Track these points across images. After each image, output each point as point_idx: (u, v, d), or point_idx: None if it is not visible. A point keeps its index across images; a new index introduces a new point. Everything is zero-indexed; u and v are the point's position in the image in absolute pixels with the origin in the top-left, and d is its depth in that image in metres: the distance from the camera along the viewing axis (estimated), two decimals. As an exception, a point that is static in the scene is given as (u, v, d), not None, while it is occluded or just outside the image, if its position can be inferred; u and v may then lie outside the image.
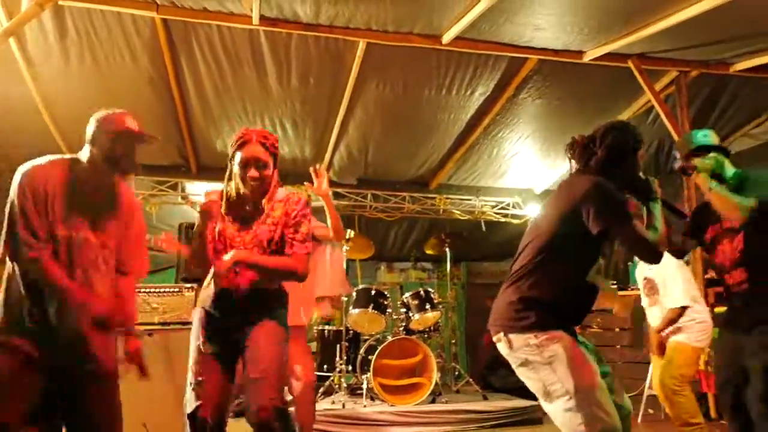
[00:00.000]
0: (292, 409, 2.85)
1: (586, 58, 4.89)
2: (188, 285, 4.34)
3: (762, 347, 2.38)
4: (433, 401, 4.94)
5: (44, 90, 4.98)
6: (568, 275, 2.22)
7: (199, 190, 6.49)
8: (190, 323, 4.08)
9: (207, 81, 5.01)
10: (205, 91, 5.13)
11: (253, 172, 2.37)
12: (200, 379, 2.40)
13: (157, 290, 4.18)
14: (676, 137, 5.26)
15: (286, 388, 3.28)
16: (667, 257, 2.91)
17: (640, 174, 2.35)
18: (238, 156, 2.40)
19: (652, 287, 3.88)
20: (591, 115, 5.91)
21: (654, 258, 2.25)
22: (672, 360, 3.66)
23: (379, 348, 4.87)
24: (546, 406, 2.18)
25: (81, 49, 4.58)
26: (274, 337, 2.40)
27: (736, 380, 2.47)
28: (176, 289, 4.23)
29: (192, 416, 2.37)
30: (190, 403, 2.38)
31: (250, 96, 5.24)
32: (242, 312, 2.43)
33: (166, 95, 5.17)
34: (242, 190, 2.43)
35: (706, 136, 2.74)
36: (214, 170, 6.28)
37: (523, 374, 2.23)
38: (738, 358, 2.47)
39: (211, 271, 2.56)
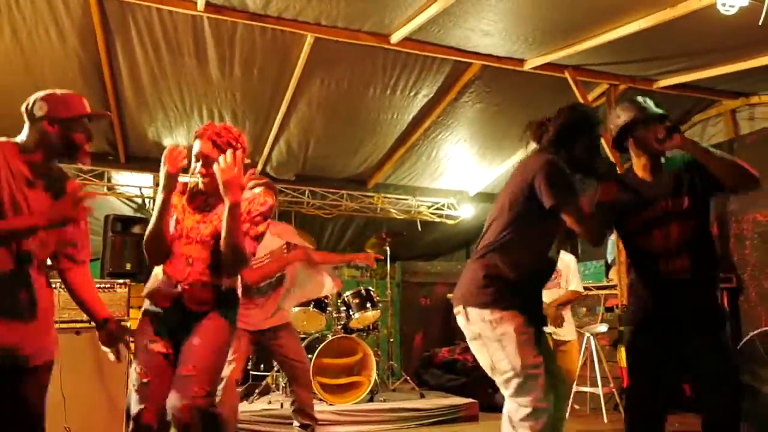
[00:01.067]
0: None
1: (527, 66, 5.07)
2: (120, 281, 4.11)
3: (716, 348, 2.38)
4: (371, 400, 4.95)
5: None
6: (532, 252, 2.31)
7: (127, 180, 6.16)
8: (122, 320, 3.92)
9: (143, 66, 4.75)
10: (140, 76, 4.86)
11: (200, 169, 2.37)
12: (145, 380, 2.28)
13: (86, 286, 3.91)
14: (606, 146, 5.55)
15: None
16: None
17: (601, 155, 2.41)
18: (194, 148, 2.40)
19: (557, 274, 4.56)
20: (527, 121, 6.13)
21: (597, 238, 2.31)
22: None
23: (319, 347, 4.82)
24: (495, 379, 2.32)
25: (0, 23, 4.20)
26: (213, 335, 2.33)
27: (666, 380, 2.47)
28: (108, 285, 4.00)
29: (136, 420, 2.25)
30: (134, 405, 2.27)
31: (188, 85, 5.01)
32: (189, 310, 2.34)
33: (96, 79, 4.85)
34: (199, 184, 2.40)
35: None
36: (144, 160, 5.98)
37: (474, 347, 2.33)
38: (671, 352, 2.44)
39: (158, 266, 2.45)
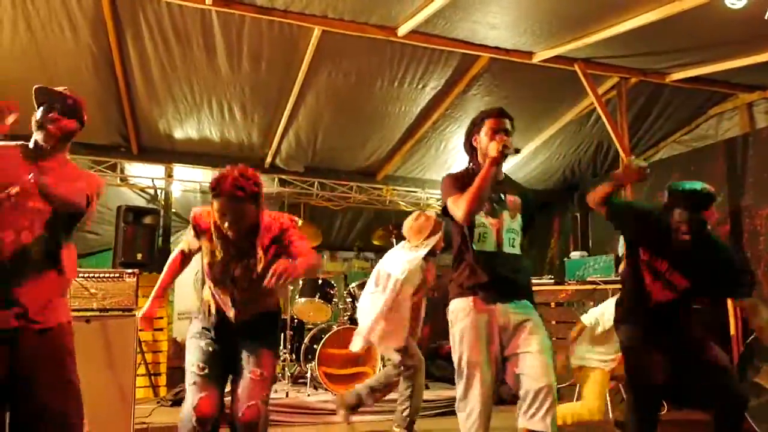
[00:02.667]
0: None
1: (536, 59, 5.04)
2: (129, 270, 4.19)
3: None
4: (375, 390, 4.99)
5: (-28, 58, 4.64)
6: (459, 249, 2.59)
7: (139, 171, 6.26)
8: (131, 310, 4.00)
9: (153, 59, 4.82)
10: (151, 69, 4.93)
11: (227, 225, 2.39)
12: (205, 372, 2.45)
13: (96, 275, 4.00)
14: (615, 140, 5.52)
15: None
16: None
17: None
18: (215, 204, 2.40)
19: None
20: (536, 114, 6.12)
21: (461, 215, 2.43)
22: None
23: (324, 337, 4.88)
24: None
25: (15, 19, 4.29)
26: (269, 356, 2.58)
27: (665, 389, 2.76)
28: (117, 275, 4.06)
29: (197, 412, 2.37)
30: (193, 396, 2.40)
31: (198, 77, 5.08)
32: (243, 331, 2.57)
33: (108, 72, 4.93)
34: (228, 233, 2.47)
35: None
36: (156, 152, 6.08)
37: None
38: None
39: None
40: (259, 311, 2.60)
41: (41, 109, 2.24)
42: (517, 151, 2.58)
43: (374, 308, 3.95)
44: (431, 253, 4.13)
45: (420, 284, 4.08)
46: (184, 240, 2.71)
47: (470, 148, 2.71)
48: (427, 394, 4.99)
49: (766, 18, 3.34)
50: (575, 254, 6.46)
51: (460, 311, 2.53)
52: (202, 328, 2.62)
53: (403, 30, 4.55)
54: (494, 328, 2.48)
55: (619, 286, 5.43)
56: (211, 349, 2.52)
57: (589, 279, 5.73)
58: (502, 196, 2.63)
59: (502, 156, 2.42)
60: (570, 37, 4.71)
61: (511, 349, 2.47)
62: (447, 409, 4.86)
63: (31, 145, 2.22)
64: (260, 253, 2.48)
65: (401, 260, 4.05)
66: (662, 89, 5.81)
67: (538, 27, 4.51)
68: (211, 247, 2.51)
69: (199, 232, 2.55)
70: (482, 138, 2.59)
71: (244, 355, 2.50)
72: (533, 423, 2.36)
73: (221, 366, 2.52)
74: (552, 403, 2.35)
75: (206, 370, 2.44)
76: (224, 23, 4.51)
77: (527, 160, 6.96)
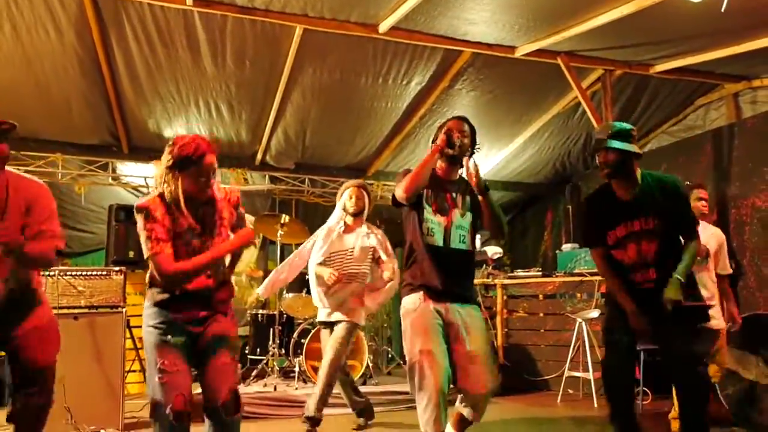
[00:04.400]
0: None
1: (518, 53, 5.08)
2: (117, 268, 4.27)
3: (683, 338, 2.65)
4: (364, 383, 5.06)
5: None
6: (410, 246, 2.71)
7: (131, 170, 6.34)
8: (118, 306, 4.08)
9: (138, 60, 4.88)
10: (137, 70, 5.00)
11: (201, 187, 2.34)
12: (168, 370, 2.35)
13: (84, 273, 4.09)
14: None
15: None
16: None
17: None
18: (200, 164, 2.31)
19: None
20: (523, 108, 6.15)
21: (399, 193, 2.64)
22: None
23: (312, 331, 4.94)
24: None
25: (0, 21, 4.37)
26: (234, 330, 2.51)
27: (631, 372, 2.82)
28: (104, 272, 4.15)
29: (167, 407, 2.30)
30: (161, 393, 2.30)
31: (183, 77, 5.15)
32: (206, 307, 2.44)
33: (95, 73, 5.00)
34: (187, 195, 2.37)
35: (621, 142, 2.72)
36: (146, 150, 6.15)
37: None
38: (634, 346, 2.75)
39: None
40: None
41: None
42: (472, 152, 2.74)
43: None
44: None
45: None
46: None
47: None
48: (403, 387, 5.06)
49: (722, 11, 3.33)
50: (567, 246, 6.49)
51: (410, 304, 2.64)
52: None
53: (383, 26, 4.59)
54: (444, 321, 2.61)
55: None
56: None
57: (576, 271, 5.78)
58: (454, 194, 2.76)
59: (447, 146, 2.65)
60: (550, 31, 4.74)
61: (456, 350, 2.60)
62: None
63: None
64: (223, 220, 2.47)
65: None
66: (648, 80, 5.82)
67: (516, 21, 4.54)
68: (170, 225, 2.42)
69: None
70: (439, 138, 2.75)
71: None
72: (466, 411, 2.71)
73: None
74: (484, 404, 2.69)
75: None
76: (206, 23, 4.57)
77: (517, 154, 6.99)
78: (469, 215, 2.76)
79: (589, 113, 5.49)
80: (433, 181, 2.69)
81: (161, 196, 2.33)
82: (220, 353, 2.40)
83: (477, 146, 2.79)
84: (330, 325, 3.93)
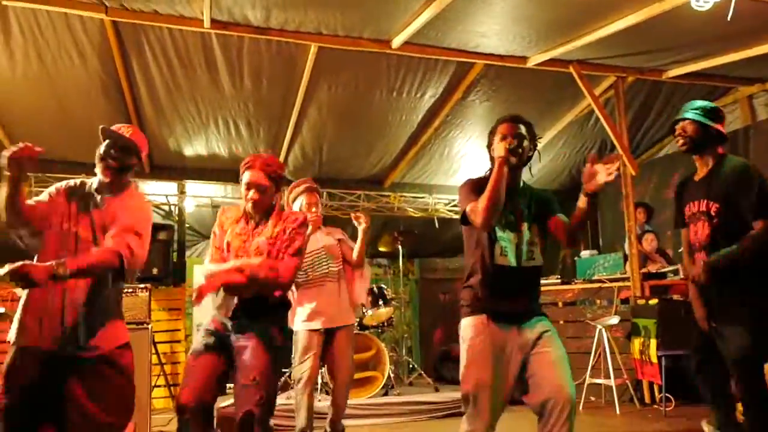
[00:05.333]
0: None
1: (530, 63, 5.13)
2: (142, 285, 4.38)
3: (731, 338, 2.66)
4: (386, 394, 5.10)
5: (-10, 91, 4.91)
6: (475, 262, 2.42)
7: (153, 189, 6.49)
8: (144, 323, 4.18)
9: (159, 82, 5.03)
10: (157, 92, 5.14)
11: (253, 195, 2.58)
12: (191, 364, 2.51)
13: (110, 291, 4.19)
14: (614, 139, 5.56)
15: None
16: None
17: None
18: (244, 179, 2.61)
19: None
20: (536, 116, 6.14)
21: (480, 222, 2.31)
22: None
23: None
24: None
25: (26, 50, 4.54)
26: (263, 346, 2.52)
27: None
28: (130, 290, 4.26)
29: (177, 402, 2.44)
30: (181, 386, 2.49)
31: (202, 97, 5.27)
32: (241, 317, 2.54)
33: (117, 96, 5.15)
34: (247, 208, 2.64)
35: (697, 112, 2.82)
36: (167, 169, 6.30)
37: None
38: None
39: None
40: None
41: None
42: (530, 155, 2.46)
43: None
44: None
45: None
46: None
47: (490, 157, 2.54)
48: (436, 397, 5.09)
49: (728, 20, 3.35)
50: (585, 253, 6.48)
51: (471, 328, 2.37)
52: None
53: (396, 42, 4.68)
54: (509, 349, 2.33)
55: (626, 283, 5.48)
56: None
57: (595, 278, 5.77)
58: (522, 206, 2.47)
59: (510, 156, 2.30)
60: (561, 41, 4.79)
61: (531, 365, 2.32)
62: (455, 411, 4.94)
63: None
64: (271, 230, 2.61)
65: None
66: (661, 86, 5.84)
67: (527, 33, 4.61)
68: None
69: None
70: (496, 146, 2.42)
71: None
72: None
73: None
74: (569, 415, 2.22)
75: None
76: (224, 44, 4.70)
77: (531, 162, 7.00)
78: (534, 227, 2.45)
79: (602, 120, 5.52)
80: None
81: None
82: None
83: (539, 137, 2.53)
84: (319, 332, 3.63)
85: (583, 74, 5.29)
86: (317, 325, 3.52)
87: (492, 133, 2.48)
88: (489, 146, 2.50)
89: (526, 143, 2.39)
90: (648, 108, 6.18)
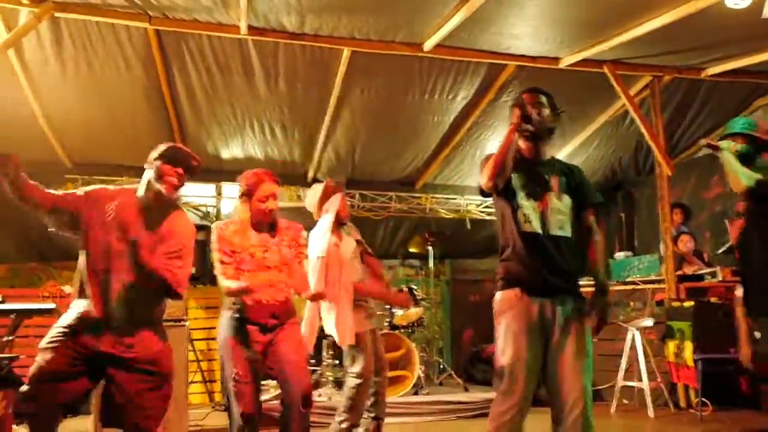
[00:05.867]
0: None
1: (563, 64, 5.11)
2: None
3: None
4: (416, 393, 5.15)
5: (42, 99, 5.15)
6: (504, 234, 2.44)
7: (191, 191, 6.69)
8: (181, 320, 4.34)
9: (198, 87, 5.20)
10: (196, 97, 5.32)
11: (271, 204, 2.82)
12: (246, 381, 2.77)
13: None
14: (649, 139, 5.49)
15: None
16: None
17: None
18: (258, 193, 2.84)
19: None
20: (570, 118, 6.13)
21: (484, 180, 2.39)
22: None
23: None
24: None
25: (77, 59, 4.76)
26: (299, 342, 2.92)
27: None
28: (169, 288, 4.42)
29: (236, 412, 2.75)
30: (234, 399, 2.76)
31: (239, 101, 5.43)
32: (275, 319, 2.85)
33: (159, 101, 5.35)
34: (263, 219, 2.88)
35: (744, 125, 3.12)
36: (205, 172, 6.43)
37: None
38: None
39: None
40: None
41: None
42: (551, 127, 2.45)
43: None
44: (338, 223, 3.43)
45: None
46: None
47: None
48: (465, 397, 5.12)
49: (763, 17, 3.29)
50: (620, 254, 6.41)
51: (506, 302, 2.35)
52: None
53: (428, 45, 4.74)
54: (540, 322, 2.31)
55: (661, 285, 5.39)
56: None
57: (629, 279, 5.70)
58: (546, 176, 2.45)
59: (522, 123, 2.35)
60: (594, 41, 4.77)
61: (550, 353, 2.32)
62: (484, 411, 4.95)
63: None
64: (288, 240, 2.89)
65: (313, 239, 3.45)
66: (700, 84, 5.72)
67: (559, 34, 4.60)
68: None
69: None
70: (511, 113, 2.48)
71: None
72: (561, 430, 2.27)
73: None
74: (582, 411, 2.23)
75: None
76: (260, 50, 4.83)
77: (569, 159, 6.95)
78: (567, 198, 2.43)
79: (638, 121, 5.45)
80: (521, 164, 2.42)
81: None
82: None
83: (560, 110, 2.50)
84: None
85: (617, 74, 5.24)
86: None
87: (514, 106, 2.48)
88: (511, 117, 2.51)
89: (545, 112, 2.40)
90: (686, 107, 6.06)
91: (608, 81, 5.28)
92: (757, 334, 3.00)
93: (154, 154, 2.54)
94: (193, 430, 4.42)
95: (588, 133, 6.38)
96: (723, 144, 3.04)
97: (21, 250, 6.44)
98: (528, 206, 2.38)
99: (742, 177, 2.98)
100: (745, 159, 3.08)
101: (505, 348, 2.30)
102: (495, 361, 2.36)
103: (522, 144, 2.45)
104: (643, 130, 5.46)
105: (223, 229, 2.83)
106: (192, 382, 5.55)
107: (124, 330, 2.38)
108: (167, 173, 2.49)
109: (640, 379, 4.92)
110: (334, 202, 3.44)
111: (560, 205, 2.42)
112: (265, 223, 2.86)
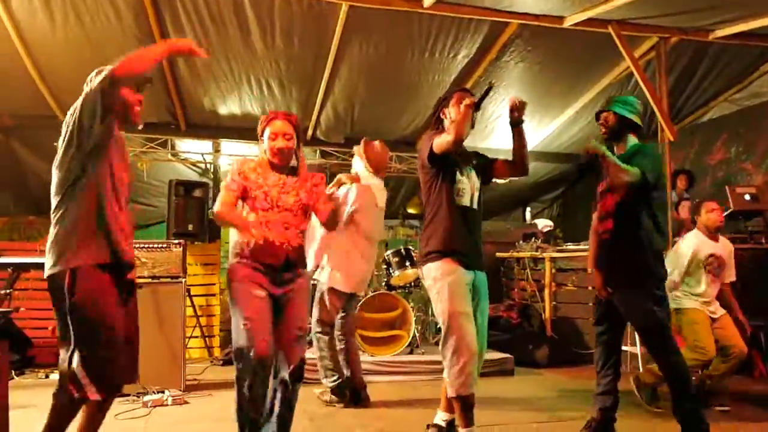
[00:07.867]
0: None
1: (567, 23, 4.96)
2: (176, 241, 4.54)
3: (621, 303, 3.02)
4: (411, 352, 5.22)
5: (31, 50, 5.05)
6: (436, 204, 2.78)
7: (188, 147, 6.64)
8: (178, 277, 4.36)
9: (192, 41, 5.06)
10: (191, 51, 5.19)
11: (281, 142, 2.69)
12: (255, 319, 2.57)
13: (146, 245, 4.38)
14: (652, 103, 5.38)
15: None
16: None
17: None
18: (268, 131, 2.72)
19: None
20: (573, 78, 6.03)
21: (451, 139, 2.67)
22: None
23: (361, 301, 5.11)
24: None
25: (65, 9, 4.64)
26: (306, 294, 2.82)
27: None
28: (165, 245, 4.43)
29: (249, 352, 2.51)
30: (246, 339, 2.52)
31: (235, 56, 5.31)
32: (288, 266, 2.70)
33: (153, 55, 5.23)
34: (272, 158, 2.74)
35: (629, 108, 3.17)
36: (202, 128, 6.42)
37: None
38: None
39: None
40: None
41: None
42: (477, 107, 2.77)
43: None
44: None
45: None
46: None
47: (437, 120, 2.97)
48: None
49: None
50: (618, 219, 6.37)
51: (446, 268, 2.72)
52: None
53: (428, 1, 4.59)
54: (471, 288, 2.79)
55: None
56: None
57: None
58: (469, 156, 2.94)
59: (475, 104, 2.73)
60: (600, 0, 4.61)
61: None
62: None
63: None
64: (298, 183, 2.75)
65: (382, 191, 4.18)
66: (707, 47, 5.57)
67: (564, -9, 4.44)
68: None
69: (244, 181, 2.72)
70: (450, 109, 2.86)
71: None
72: None
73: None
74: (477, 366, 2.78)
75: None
76: (255, 2, 4.69)
77: (568, 125, 6.86)
78: (477, 177, 2.90)
79: (641, 84, 5.32)
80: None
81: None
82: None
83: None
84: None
85: (622, 35, 5.09)
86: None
87: (444, 101, 2.94)
88: (437, 111, 2.96)
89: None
90: (692, 70, 5.93)
91: (613, 42, 5.14)
92: None
93: None
94: (190, 383, 4.49)
95: (591, 95, 6.25)
96: (600, 147, 3.02)
97: (20, 203, 6.45)
98: (463, 182, 2.78)
99: (626, 173, 2.92)
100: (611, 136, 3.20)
101: (451, 307, 2.68)
102: (444, 319, 2.73)
103: None
104: (646, 92, 5.33)
105: (243, 164, 2.74)
106: (191, 336, 5.62)
107: None
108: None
109: (632, 344, 4.96)
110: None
111: (478, 183, 2.89)
112: (284, 166, 2.73)
